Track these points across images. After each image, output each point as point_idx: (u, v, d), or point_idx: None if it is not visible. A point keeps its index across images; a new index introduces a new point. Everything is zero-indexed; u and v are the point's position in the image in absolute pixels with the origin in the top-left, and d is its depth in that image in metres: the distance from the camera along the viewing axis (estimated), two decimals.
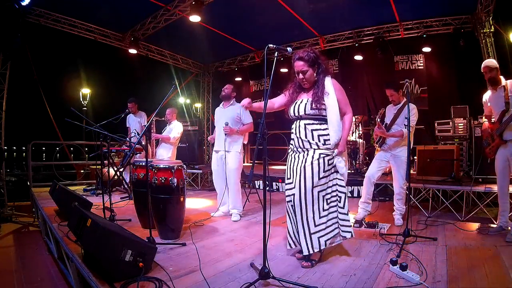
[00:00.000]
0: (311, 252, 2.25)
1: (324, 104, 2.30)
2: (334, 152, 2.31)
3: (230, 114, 3.71)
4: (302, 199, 2.25)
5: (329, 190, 2.33)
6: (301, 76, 2.36)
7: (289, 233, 2.41)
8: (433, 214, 3.79)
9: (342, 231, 2.35)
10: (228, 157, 3.70)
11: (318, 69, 2.37)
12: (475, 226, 3.27)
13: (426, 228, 3.26)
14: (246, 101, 2.43)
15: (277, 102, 2.58)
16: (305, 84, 2.40)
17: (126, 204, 4.26)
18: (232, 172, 3.68)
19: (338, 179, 2.36)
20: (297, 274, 2.13)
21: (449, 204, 3.77)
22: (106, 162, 4.56)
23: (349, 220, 2.37)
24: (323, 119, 2.33)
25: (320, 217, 2.28)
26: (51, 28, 6.15)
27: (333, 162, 2.32)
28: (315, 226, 2.26)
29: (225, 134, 3.64)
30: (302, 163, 2.30)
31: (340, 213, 2.35)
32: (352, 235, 2.34)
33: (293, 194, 2.30)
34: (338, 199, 2.35)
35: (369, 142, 6.41)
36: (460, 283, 1.98)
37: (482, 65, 2.97)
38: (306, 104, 2.34)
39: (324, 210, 2.30)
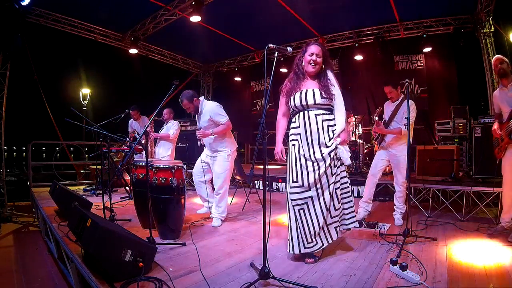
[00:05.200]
0: (330, 242, 2.36)
1: (334, 94, 2.32)
2: (337, 140, 2.31)
3: (202, 122, 3.44)
4: (321, 200, 2.30)
5: (339, 184, 2.38)
6: (314, 57, 2.36)
7: (292, 237, 2.33)
8: (433, 214, 3.79)
9: (351, 222, 2.46)
10: (217, 159, 3.47)
11: (326, 64, 2.45)
12: (475, 226, 3.27)
13: (426, 228, 3.25)
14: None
15: (285, 112, 2.53)
16: (313, 67, 2.36)
17: (126, 204, 4.26)
18: (218, 175, 3.45)
19: (347, 171, 2.45)
20: (297, 274, 2.13)
21: (449, 204, 3.77)
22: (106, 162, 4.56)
23: (354, 211, 2.49)
24: (330, 109, 2.36)
25: (335, 209, 2.36)
26: (51, 28, 6.16)
27: (339, 155, 2.33)
28: (332, 217, 2.35)
29: (198, 139, 3.51)
30: (315, 167, 2.26)
31: (349, 206, 2.46)
32: (336, 231, 2.41)
33: (310, 197, 2.28)
34: (347, 190, 2.44)
35: (369, 142, 6.41)
36: (460, 283, 1.98)
37: (494, 58, 2.95)
38: (315, 93, 2.30)
39: (339, 202, 2.38)
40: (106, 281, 1.88)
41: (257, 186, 5.82)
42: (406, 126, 3.00)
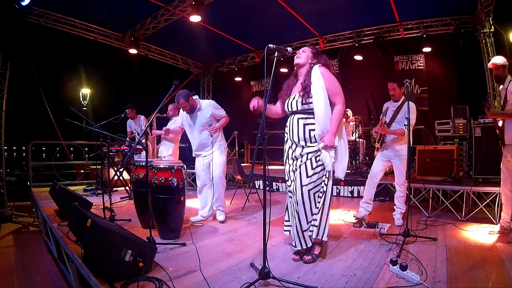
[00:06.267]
0: (304, 247, 2.33)
1: (311, 96, 2.30)
2: (319, 146, 2.27)
3: (202, 120, 3.47)
4: (298, 199, 2.31)
5: (317, 188, 2.31)
6: (299, 51, 2.48)
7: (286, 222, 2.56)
8: (433, 214, 3.79)
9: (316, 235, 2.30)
10: (213, 155, 3.52)
11: (314, 60, 2.43)
12: (475, 226, 3.27)
13: (426, 228, 3.26)
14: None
15: (274, 107, 2.62)
16: (297, 57, 2.45)
17: (126, 204, 4.26)
18: (217, 170, 3.49)
19: (326, 177, 2.31)
20: (297, 274, 2.13)
21: (449, 204, 3.77)
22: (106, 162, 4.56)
23: (316, 220, 2.29)
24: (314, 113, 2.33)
25: (312, 214, 2.31)
26: (51, 28, 6.16)
27: (321, 159, 2.28)
28: (307, 223, 2.31)
29: (211, 136, 3.48)
30: (294, 165, 2.38)
31: (315, 213, 2.31)
32: (311, 239, 2.30)
33: (290, 192, 2.42)
34: (321, 196, 2.30)
35: (369, 142, 6.41)
36: (460, 283, 1.98)
37: (489, 63, 3.00)
38: (297, 100, 2.37)
39: (316, 207, 2.32)
40: (106, 281, 1.88)
41: (257, 186, 5.82)
42: (406, 126, 3.00)
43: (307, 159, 2.30)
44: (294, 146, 2.39)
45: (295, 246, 2.36)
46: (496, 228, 3.03)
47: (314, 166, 2.29)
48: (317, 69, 2.36)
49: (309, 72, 2.39)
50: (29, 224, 4.72)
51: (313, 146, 2.31)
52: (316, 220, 2.30)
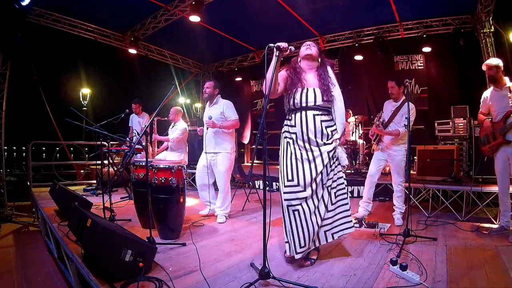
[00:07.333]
0: (317, 245, 2.30)
1: (333, 96, 2.30)
2: (337, 142, 2.30)
3: (214, 113, 3.54)
4: (315, 201, 2.25)
5: (335, 184, 2.33)
6: (308, 43, 2.41)
7: (287, 238, 2.30)
8: (433, 214, 3.79)
9: (346, 228, 2.37)
10: (218, 158, 3.54)
11: (321, 60, 2.42)
12: (475, 226, 3.27)
13: (426, 228, 3.26)
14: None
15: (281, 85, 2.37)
16: (307, 48, 2.37)
17: (126, 204, 4.26)
18: (222, 174, 3.54)
19: (343, 172, 2.38)
20: (297, 274, 2.13)
21: (449, 204, 3.77)
22: (106, 162, 4.56)
23: (350, 215, 2.40)
24: (329, 110, 2.33)
25: (328, 211, 2.30)
26: (51, 28, 6.16)
27: (336, 155, 2.31)
28: (322, 220, 2.28)
29: (207, 128, 3.51)
30: (312, 166, 2.21)
31: (344, 210, 2.37)
32: (354, 228, 2.42)
33: (305, 198, 2.21)
34: (343, 192, 2.37)
35: (369, 142, 6.40)
36: (460, 283, 1.98)
37: (483, 65, 3.03)
38: (316, 94, 2.26)
39: (332, 204, 2.32)
40: (106, 281, 1.88)
41: (257, 186, 5.82)
42: (406, 127, 3.01)
43: (329, 159, 2.26)
44: (308, 145, 2.24)
45: (309, 248, 2.26)
46: (497, 228, 3.02)
47: (331, 164, 2.30)
48: (331, 71, 2.40)
49: (324, 69, 2.38)
50: (29, 224, 4.72)
51: (330, 144, 2.28)
52: (350, 216, 2.37)
